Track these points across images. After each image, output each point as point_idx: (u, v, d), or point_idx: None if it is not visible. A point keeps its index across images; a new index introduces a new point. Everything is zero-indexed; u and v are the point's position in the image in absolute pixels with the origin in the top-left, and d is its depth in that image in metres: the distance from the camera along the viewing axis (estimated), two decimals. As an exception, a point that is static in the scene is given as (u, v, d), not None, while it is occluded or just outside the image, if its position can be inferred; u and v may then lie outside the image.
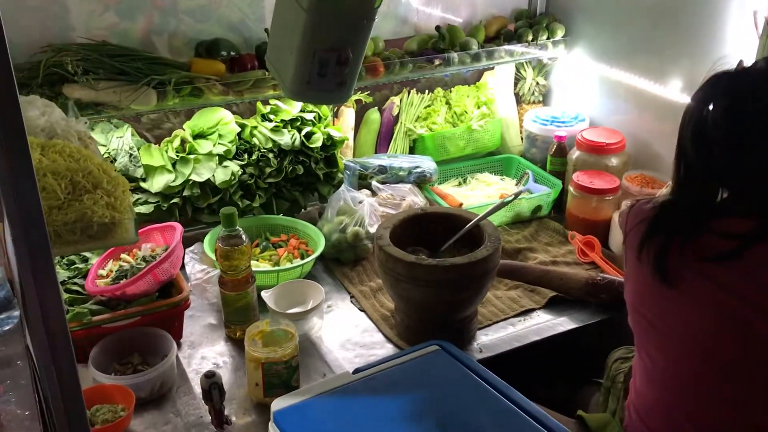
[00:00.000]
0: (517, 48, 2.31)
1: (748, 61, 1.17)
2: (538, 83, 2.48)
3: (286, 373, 1.42)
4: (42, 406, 1.20)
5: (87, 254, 1.73)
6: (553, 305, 1.77)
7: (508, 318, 1.73)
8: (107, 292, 1.55)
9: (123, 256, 1.70)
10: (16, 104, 0.86)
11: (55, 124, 1.36)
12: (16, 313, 1.70)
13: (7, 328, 1.47)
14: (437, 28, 2.23)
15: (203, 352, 1.62)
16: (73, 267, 1.69)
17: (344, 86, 1.39)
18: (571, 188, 2.09)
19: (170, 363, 1.47)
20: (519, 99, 2.51)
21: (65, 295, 1.58)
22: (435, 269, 1.50)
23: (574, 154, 2.18)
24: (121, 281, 1.57)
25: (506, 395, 1.24)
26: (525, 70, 2.47)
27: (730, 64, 1.14)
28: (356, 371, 1.30)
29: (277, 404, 1.23)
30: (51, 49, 1.75)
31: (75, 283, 1.63)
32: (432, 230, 1.70)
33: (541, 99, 2.51)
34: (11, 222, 0.94)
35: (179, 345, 1.63)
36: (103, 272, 1.65)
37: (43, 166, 1.17)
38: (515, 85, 2.49)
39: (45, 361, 1.04)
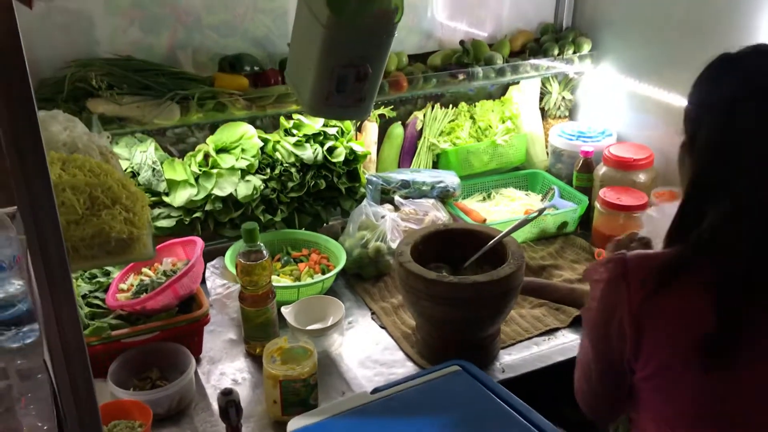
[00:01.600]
0: (543, 62, 2.29)
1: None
2: (564, 98, 2.44)
3: (305, 391, 1.41)
4: (61, 420, 1.20)
5: (108, 268, 1.73)
6: (578, 324, 1.73)
7: (532, 337, 1.70)
8: (127, 306, 1.55)
9: (144, 270, 1.70)
10: (35, 119, 0.86)
11: (77, 138, 1.37)
12: (38, 326, 1.71)
13: (29, 341, 1.47)
14: (461, 42, 2.21)
15: (222, 368, 1.61)
16: (95, 281, 1.70)
17: (363, 102, 1.38)
18: (597, 204, 2.05)
19: (189, 379, 1.46)
20: (545, 114, 2.48)
21: (86, 309, 1.59)
22: (456, 287, 1.48)
23: (601, 169, 2.14)
24: (142, 296, 1.57)
25: (528, 418, 1.20)
26: (551, 85, 2.44)
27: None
28: (374, 391, 1.28)
29: (294, 424, 1.21)
30: (76, 64, 1.76)
31: (96, 297, 1.64)
32: (454, 247, 1.68)
33: (567, 114, 2.47)
34: (29, 236, 0.94)
35: (198, 361, 1.62)
36: (124, 286, 1.65)
37: (63, 181, 1.16)
38: (541, 99, 2.46)
39: (62, 376, 1.03)
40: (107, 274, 1.72)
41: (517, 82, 2.37)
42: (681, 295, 1.01)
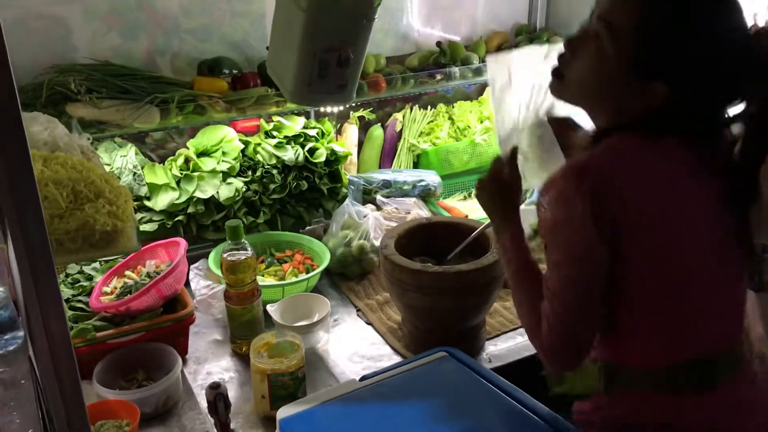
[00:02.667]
0: (519, 62, 2.32)
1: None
2: (540, 97, 2.48)
3: (293, 385, 1.40)
4: (46, 424, 1.19)
5: (91, 272, 1.72)
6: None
7: (517, 328, 1.71)
8: (111, 308, 1.54)
9: (127, 273, 1.69)
10: (18, 114, 0.86)
11: (57, 138, 1.37)
12: (21, 333, 1.69)
13: (11, 348, 1.46)
14: (438, 43, 2.24)
15: (209, 368, 1.60)
16: (77, 285, 1.68)
17: (345, 88, 1.39)
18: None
19: (175, 377, 1.45)
20: (522, 113, 2.51)
21: (69, 313, 1.57)
22: (441, 276, 1.49)
23: (579, 164, 2.17)
24: (126, 297, 1.56)
25: (516, 398, 1.21)
26: (527, 84, 2.47)
27: None
28: (363, 378, 1.28)
29: (283, 412, 1.21)
30: (54, 69, 1.76)
31: (79, 301, 1.62)
32: (437, 240, 1.69)
33: (543, 112, 2.51)
34: (13, 231, 0.93)
35: (185, 361, 1.61)
36: (108, 289, 1.64)
37: (45, 177, 1.17)
38: (518, 99, 2.49)
39: (48, 374, 1.02)
40: (90, 278, 1.71)
41: (494, 83, 2.40)
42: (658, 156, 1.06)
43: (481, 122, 2.36)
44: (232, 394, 1.46)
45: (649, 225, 1.05)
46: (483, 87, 2.44)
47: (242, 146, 1.97)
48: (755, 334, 1.72)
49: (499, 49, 2.38)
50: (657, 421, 1.11)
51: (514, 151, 1.26)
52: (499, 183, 1.27)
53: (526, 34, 2.41)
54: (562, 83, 1.14)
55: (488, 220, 1.65)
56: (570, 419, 1.20)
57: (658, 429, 1.12)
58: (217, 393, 1.30)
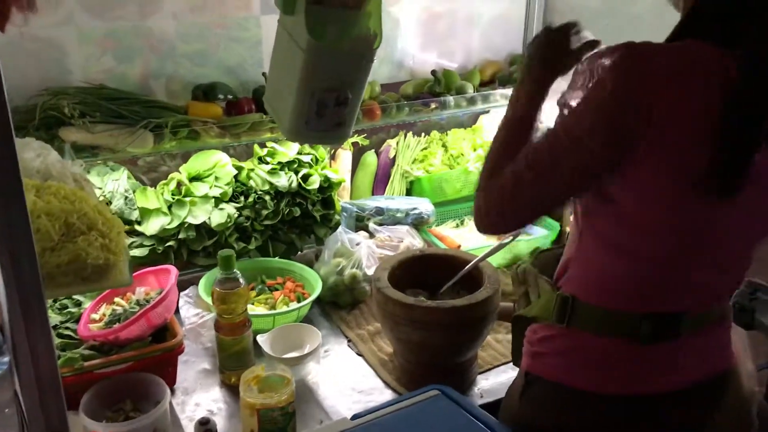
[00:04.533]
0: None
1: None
2: (533, 126, 2.49)
3: (283, 420, 1.39)
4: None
5: (80, 298, 1.70)
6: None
7: (509, 362, 1.70)
8: (100, 336, 1.52)
9: (116, 300, 1.67)
10: (12, 145, 0.86)
11: (50, 166, 1.35)
12: (6, 359, 1.66)
13: (-4, 373, 1.44)
14: (433, 72, 2.25)
15: (197, 399, 1.58)
16: (65, 311, 1.66)
17: (343, 126, 1.39)
18: (568, 230, 2.08)
19: (163, 410, 1.43)
20: (515, 142, 2.51)
21: (57, 340, 1.55)
22: (434, 311, 1.48)
23: (572, 195, 2.18)
24: (114, 325, 1.54)
25: (509, 441, 1.20)
26: (520, 113, 2.48)
27: None
28: (354, 417, 1.26)
29: (274, 452, 1.19)
30: (48, 92, 1.75)
31: (67, 328, 1.60)
32: (431, 272, 1.69)
33: (536, 142, 2.52)
34: (4, 263, 0.92)
35: (173, 391, 1.58)
36: (96, 316, 1.62)
37: (38, 208, 1.15)
38: (511, 128, 2.49)
39: (34, 407, 1.00)
40: (78, 304, 1.69)
41: (488, 111, 2.41)
42: (696, 90, 0.97)
43: (475, 150, 2.36)
44: (220, 426, 1.45)
45: (667, 143, 0.97)
46: (477, 115, 2.45)
47: (235, 171, 1.96)
48: (746, 371, 1.72)
49: (494, 78, 2.39)
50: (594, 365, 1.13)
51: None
52: (563, 41, 1.19)
53: (521, 64, 2.42)
54: None
55: (482, 253, 1.66)
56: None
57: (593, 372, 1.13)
58: (206, 429, 1.28)
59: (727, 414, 1.22)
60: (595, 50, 1.06)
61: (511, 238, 1.80)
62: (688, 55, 0.98)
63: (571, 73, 1.08)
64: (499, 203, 1.11)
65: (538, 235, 2.15)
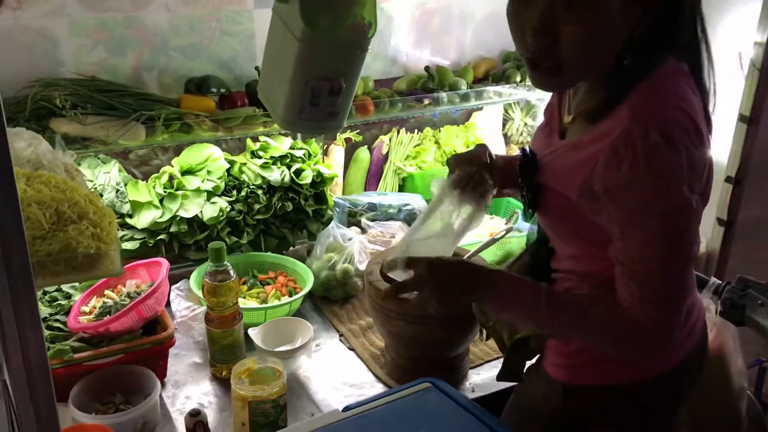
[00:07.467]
0: (506, 89, 2.33)
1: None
2: (526, 124, 2.50)
3: (274, 413, 1.38)
4: (18, 446, 1.16)
5: (70, 291, 1.69)
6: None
7: (501, 357, 1.70)
8: (90, 328, 1.51)
9: (107, 292, 1.66)
10: (3, 134, 0.85)
11: (41, 155, 1.34)
12: (-5, 350, 1.65)
13: (-17, 366, 1.42)
14: (426, 68, 2.25)
15: (188, 392, 1.57)
16: (55, 303, 1.65)
17: (336, 116, 1.39)
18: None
19: (153, 402, 1.43)
20: (507, 139, 2.52)
21: (47, 332, 1.54)
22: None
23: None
24: (105, 318, 1.53)
25: (500, 433, 1.20)
26: (513, 111, 2.49)
27: None
28: (346, 409, 1.26)
29: (265, 443, 1.18)
30: (39, 83, 1.74)
31: (57, 320, 1.59)
32: (423, 267, 1.68)
33: (529, 140, 2.52)
34: (-7, 251, 0.91)
35: (163, 384, 1.58)
36: (86, 309, 1.61)
37: (28, 196, 1.14)
38: (503, 125, 2.50)
39: (23, 397, 1.00)
40: (68, 297, 1.68)
41: (481, 108, 2.41)
42: None
43: (467, 147, 2.37)
44: (211, 419, 1.44)
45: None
46: (470, 112, 2.45)
47: (227, 165, 1.96)
48: (736, 368, 1.73)
49: (487, 75, 2.39)
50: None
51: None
52: (448, 272, 1.14)
53: (514, 61, 2.43)
54: (561, 73, 1.02)
55: (474, 248, 1.66)
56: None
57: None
58: (197, 421, 1.28)
59: (714, 409, 1.24)
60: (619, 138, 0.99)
61: (503, 232, 1.80)
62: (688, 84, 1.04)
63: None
64: (661, 314, 1.01)
65: (530, 231, 2.14)
